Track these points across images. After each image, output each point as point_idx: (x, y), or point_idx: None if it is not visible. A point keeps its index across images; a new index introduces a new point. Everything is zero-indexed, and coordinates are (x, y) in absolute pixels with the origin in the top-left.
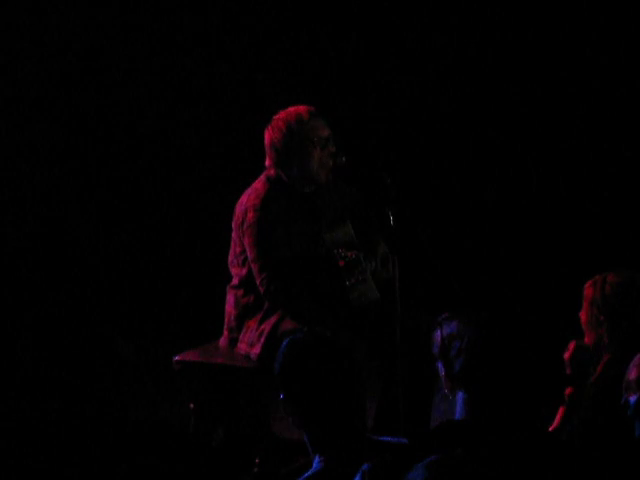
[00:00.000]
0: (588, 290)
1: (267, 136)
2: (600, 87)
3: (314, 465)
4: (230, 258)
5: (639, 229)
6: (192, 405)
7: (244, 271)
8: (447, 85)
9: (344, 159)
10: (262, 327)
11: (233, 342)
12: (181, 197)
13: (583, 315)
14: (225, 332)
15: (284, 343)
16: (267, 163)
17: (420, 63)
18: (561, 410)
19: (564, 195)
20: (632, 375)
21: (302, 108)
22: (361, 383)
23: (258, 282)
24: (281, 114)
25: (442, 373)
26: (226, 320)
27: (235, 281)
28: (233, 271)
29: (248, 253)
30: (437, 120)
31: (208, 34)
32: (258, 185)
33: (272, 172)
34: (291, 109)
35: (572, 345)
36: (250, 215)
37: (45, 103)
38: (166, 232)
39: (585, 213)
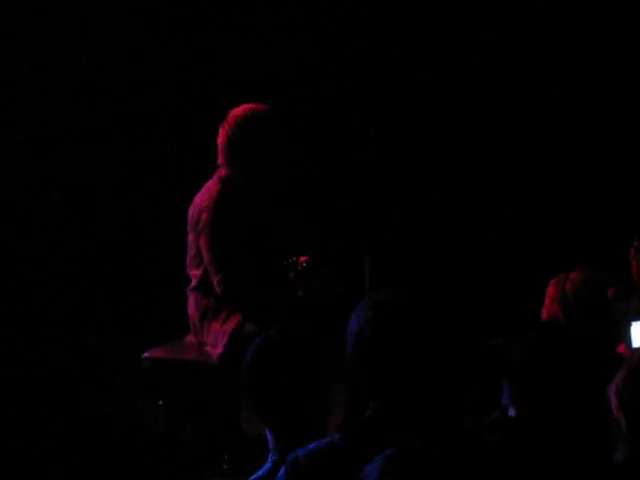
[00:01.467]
0: (551, 287)
1: (222, 133)
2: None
3: (265, 465)
4: (187, 260)
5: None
6: (161, 402)
7: (200, 272)
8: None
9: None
10: (224, 327)
11: (200, 342)
12: (151, 191)
13: (544, 312)
14: (191, 333)
15: (255, 342)
16: (220, 161)
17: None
18: None
19: (541, 193)
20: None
21: (258, 106)
22: (327, 380)
23: (214, 283)
24: (237, 111)
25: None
26: (190, 323)
27: (194, 283)
28: (191, 273)
29: (204, 254)
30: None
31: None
32: (211, 186)
33: (224, 171)
34: (246, 105)
35: None
36: (204, 216)
37: None
38: (133, 227)
39: (562, 211)
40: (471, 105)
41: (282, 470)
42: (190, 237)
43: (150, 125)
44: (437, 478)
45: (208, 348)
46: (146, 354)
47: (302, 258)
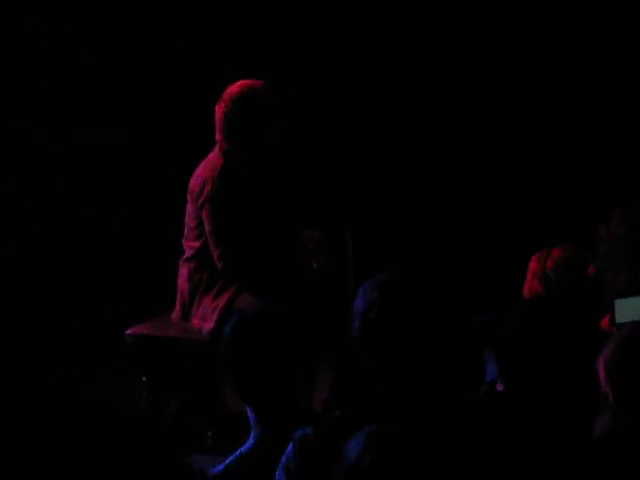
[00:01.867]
0: (533, 263)
1: (219, 110)
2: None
3: (248, 441)
4: (185, 231)
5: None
6: (144, 378)
7: (198, 244)
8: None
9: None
10: (216, 302)
11: (186, 316)
12: (134, 168)
13: (525, 288)
14: (178, 306)
15: (230, 320)
16: (218, 138)
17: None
18: None
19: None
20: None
21: (254, 81)
22: (308, 361)
23: (215, 255)
24: (233, 87)
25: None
26: (178, 294)
27: (188, 254)
28: (187, 244)
29: (206, 226)
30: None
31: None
32: (214, 158)
33: (224, 146)
34: (243, 82)
35: None
36: (208, 188)
37: None
38: (114, 204)
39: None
40: (461, 100)
41: (290, 447)
42: (190, 207)
43: (150, 99)
44: (417, 455)
45: (196, 321)
46: (129, 330)
47: (317, 233)
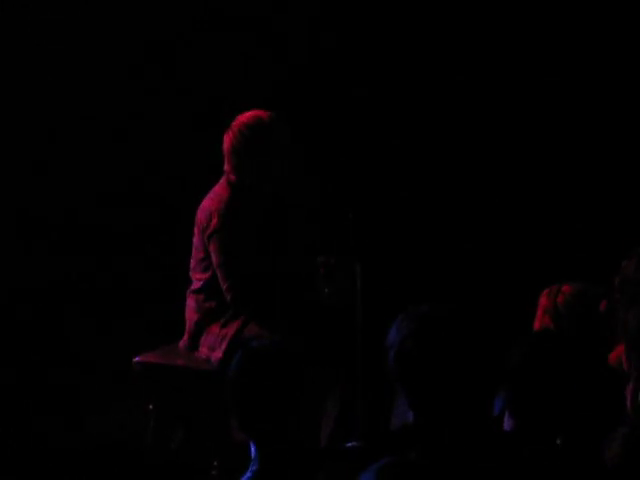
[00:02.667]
0: (543, 298)
1: (227, 140)
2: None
3: (245, 475)
4: (192, 264)
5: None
6: (151, 407)
7: (207, 276)
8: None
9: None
10: (224, 331)
11: (194, 346)
12: (142, 200)
13: (536, 323)
14: (185, 336)
15: (240, 350)
16: (226, 168)
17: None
18: None
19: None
20: None
21: (263, 112)
22: (314, 395)
23: (225, 288)
24: (241, 118)
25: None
26: (187, 325)
27: (196, 285)
28: (195, 276)
29: (213, 259)
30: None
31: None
32: (220, 189)
33: (232, 177)
34: (251, 113)
35: None
36: (215, 221)
37: None
38: (124, 233)
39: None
40: (463, 110)
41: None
42: (196, 240)
43: (159, 131)
44: None
45: (204, 350)
46: (137, 358)
47: (331, 258)
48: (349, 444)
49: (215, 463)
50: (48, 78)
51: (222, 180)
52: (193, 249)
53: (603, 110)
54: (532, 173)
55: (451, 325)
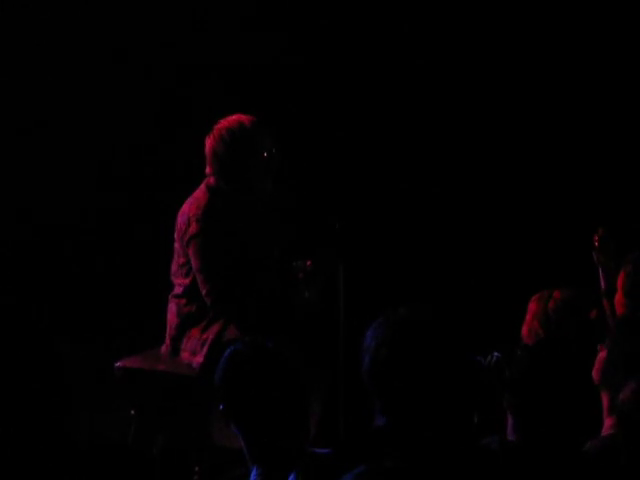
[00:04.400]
0: (532, 304)
1: (208, 144)
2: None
3: (252, 476)
4: (173, 268)
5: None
6: (133, 412)
7: (188, 281)
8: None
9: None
10: (205, 336)
11: (175, 351)
12: (124, 204)
13: (525, 328)
14: (167, 340)
15: (225, 353)
16: (207, 171)
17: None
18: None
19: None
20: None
21: (244, 117)
22: (303, 395)
23: (204, 292)
24: (223, 122)
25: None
26: (168, 329)
27: (178, 290)
28: (176, 281)
29: (193, 264)
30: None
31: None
32: (199, 195)
33: (212, 180)
34: (233, 117)
35: None
36: (193, 226)
37: None
38: (107, 238)
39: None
40: (459, 114)
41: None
42: (177, 245)
43: (142, 133)
44: None
45: (186, 355)
46: (119, 363)
47: (308, 261)
48: (324, 450)
49: (196, 468)
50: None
51: (202, 185)
52: (174, 254)
53: (596, 118)
54: (520, 176)
55: (426, 331)
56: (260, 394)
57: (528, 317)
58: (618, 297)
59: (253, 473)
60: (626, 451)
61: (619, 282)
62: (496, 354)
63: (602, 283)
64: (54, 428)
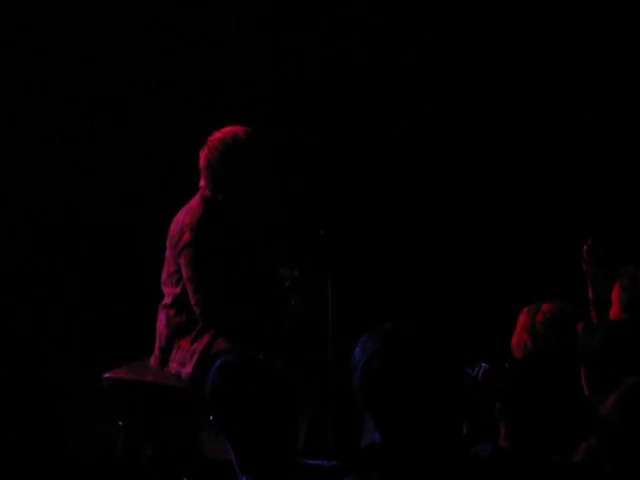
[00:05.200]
0: (522, 316)
1: (203, 156)
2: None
3: None
4: (163, 277)
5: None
6: (121, 423)
7: (178, 290)
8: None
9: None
10: (194, 347)
11: (164, 362)
12: (114, 214)
13: (514, 339)
14: (156, 351)
15: (215, 365)
16: (202, 184)
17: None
18: None
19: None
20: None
21: (239, 128)
22: (292, 406)
23: (193, 302)
24: (217, 134)
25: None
26: (157, 339)
27: (168, 300)
28: (166, 290)
29: (184, 273)
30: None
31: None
32: (194, 204)
33: (207, 192)
34: (228, 129)
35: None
36: (187, 235)
37: None
38: (96, 248)
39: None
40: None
41: None
42: (168, 253)
43: (134, 143)
44: None
45: (174, 365)
46: (107, 374)
47: (294, 272)
48: (320, 462)
49: (185, 479)
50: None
51: (197, 195)
52: (165, 262)
53: (585, 130)
54: (510, 189)
55: (416, 343)
56: (250, 406)
57: (517, 329)
58: (614, 311)
59: None
60: (610, 460)
61: (614, 296)
62: (484, 365)
63: (590, 293)
64: (42, 438)
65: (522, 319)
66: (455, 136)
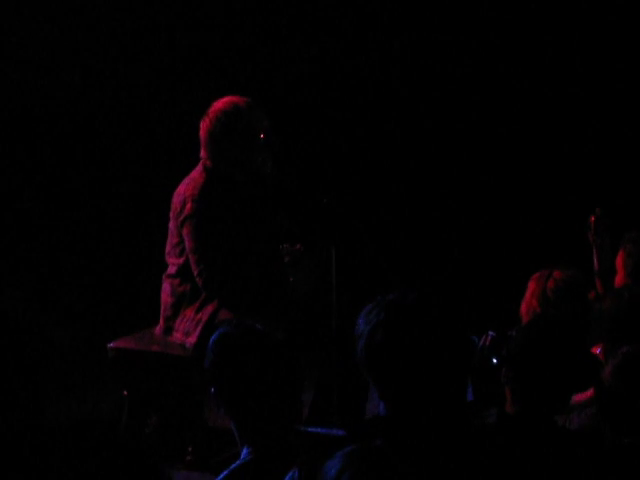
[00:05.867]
0: (532, 282)
1: (203, 127)
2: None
3: (242, 456)
4: (167, 248)
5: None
6: (126, 392)
7: (181, 261)
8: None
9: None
10: (199, 316)
11: (169, 330)
12: (117, 186)
13: (523, 306)
14: (161, 321)
15: (213, 336)
16: (202, 154)
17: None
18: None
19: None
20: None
21: (239, 98)
22: (293, 377)
23: (196, 273)
24: (218, 104)
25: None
26: (162, 309)
27: (172, 270)
28: (170, 260)
29: (186, 243)
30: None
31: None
32: (196, 175)
33: (209, 163)
34: (227, 99)
35: None
36: (189, 206)
37: None
38: (100, 220)
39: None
40: (457, 130)
41: (293, 473)
42: (171, 224)
43: (133, 114)
44: (393, 474)
45: (179, 335)
46: (112, 344)
47: (297, 245)
48: (324, 430)
49: (190, 448)
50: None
51: (198, 166)
52: (169, 233)
53: (591, 107)
54: (518, 158)
55: (420, 313)
56: (249, 376)
57: (527, 295)
58: (619, 278)
59: (244, 453)
60: (609, 426)
61: (618, 262)
62: (491, 333)
63: (595, 264)
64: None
65: (532, 286)
66: (462, 109)
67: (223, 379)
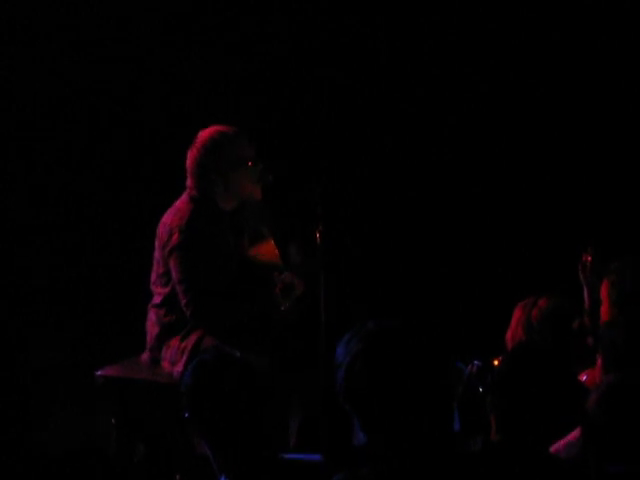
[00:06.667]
0: (518, 310)
1: (190, 156)
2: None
3: None
4: (153, 277)
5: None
6: (113, 420)
7: (167, 290)
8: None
9: (271, 178)
10: (184, 344)
11: (155, 360)
12: (105, 212)
13: (509, 334)
14: (147, 350)
15: (192, 364)
16: (189, 183)
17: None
18: None
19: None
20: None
21: (225, 127)
22: (273, 404)
23: (183, 303)
24: (204, 133)
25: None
26: (147, 339)
27: (157, 300)
28: (155, 290)
29: (173, 274)
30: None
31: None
32: (181, 205)
33: (195, 192)
34: (214, 128)
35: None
36: (175, 236)
37: None
38: (88, 245)
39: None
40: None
41: None
42: (157, 254)
43: (122, 143)
44: None
45: (166, 364)
46: (99, 372)
47: (285, 276)
48: (305, 456)
49: (178, 477)
50: None
51: (184, 195)
52: (154, 263)
53: (583, 134)
54: (507, 184)
55: (400, 342)
56: (224, 404)
57: (512, 323)
58: (604, 308)
59: None
60: (593, 455)
61: (603, 293)
62: (476, 362)
63: (586, 301)
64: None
65: (517, 314)
66: (454, 128)
67: (197, 405)
